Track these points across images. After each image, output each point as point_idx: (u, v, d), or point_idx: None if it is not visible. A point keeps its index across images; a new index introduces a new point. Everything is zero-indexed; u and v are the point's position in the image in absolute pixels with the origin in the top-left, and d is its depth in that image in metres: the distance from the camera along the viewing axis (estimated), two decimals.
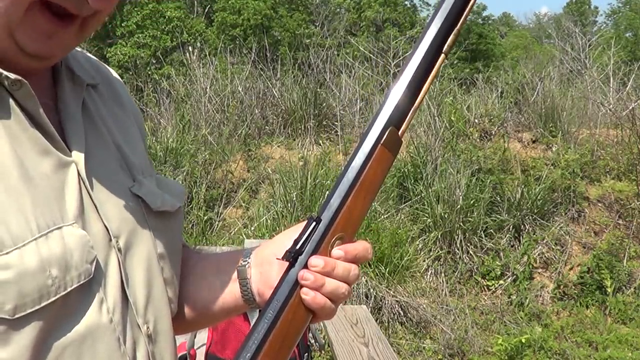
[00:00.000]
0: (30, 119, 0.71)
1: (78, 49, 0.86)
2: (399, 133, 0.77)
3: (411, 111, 0.77)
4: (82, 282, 0.68)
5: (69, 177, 0.72)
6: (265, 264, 0.86)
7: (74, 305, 0.68)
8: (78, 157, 0.74)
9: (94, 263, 0.70)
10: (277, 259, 0.83)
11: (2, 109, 0.69)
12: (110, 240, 0.74)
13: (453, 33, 0.77)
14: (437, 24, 0.76)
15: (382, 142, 0.75)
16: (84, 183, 0.74)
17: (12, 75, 0.68)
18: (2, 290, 0.62)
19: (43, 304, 0.64)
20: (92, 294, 0.70)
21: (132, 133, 0.90)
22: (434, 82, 7.43)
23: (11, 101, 0.70)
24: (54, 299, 0.65)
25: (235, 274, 0.89)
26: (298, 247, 0.75)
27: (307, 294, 0.73)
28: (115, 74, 0.96)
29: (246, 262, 0.88)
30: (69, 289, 0.67)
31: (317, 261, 0.74)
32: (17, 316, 0.63)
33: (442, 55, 0.77)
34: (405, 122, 0.77)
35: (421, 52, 0.77)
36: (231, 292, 0.90)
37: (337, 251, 0.75)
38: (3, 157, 0.66)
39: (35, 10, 0.68)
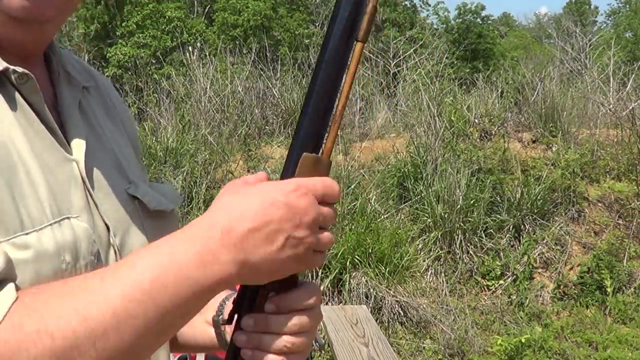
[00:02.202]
0: (35, 114, 0.71)
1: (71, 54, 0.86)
2: (323, 153, 0.69)
3: (332, 125, 0.68)
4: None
5: (74, 173, 0.73)
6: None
7: None
8: (78, 156, 0.75)
9: (97, 256, 0.71)
10: (222, 324, 0.86)
11: (11, 103, 0.69)
12: (109, 237, 0.76)
13: (366, 18, 0.66)
14: (343, 9, 0.66)
15: (295, 175, 0.68)
16: (84, 182, 0.74)
17: (20, 69, 0.69)
18: (21, 269, 0.63)
19: None
20: None
21: (122, 140, 0.90)
22: (436, 84, 7.35)
23: (18, 95, 0.70)
24: None
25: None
26: (233, 308, 0.72)
27: (245, 355, 0.71)
28: (105, 79, 0.97)
29: (220, 314, 0.89)
30: None
31: (247, 322, 0.70)
32: None
33: (360, 44, 0.67)
34: (329, 139, 0.68)
35: (327, 44, 0.67)
36: (209, 336, 0.92)
37: (268, 305, 0.70)
38: (21, 147, 0.67)
39: None
